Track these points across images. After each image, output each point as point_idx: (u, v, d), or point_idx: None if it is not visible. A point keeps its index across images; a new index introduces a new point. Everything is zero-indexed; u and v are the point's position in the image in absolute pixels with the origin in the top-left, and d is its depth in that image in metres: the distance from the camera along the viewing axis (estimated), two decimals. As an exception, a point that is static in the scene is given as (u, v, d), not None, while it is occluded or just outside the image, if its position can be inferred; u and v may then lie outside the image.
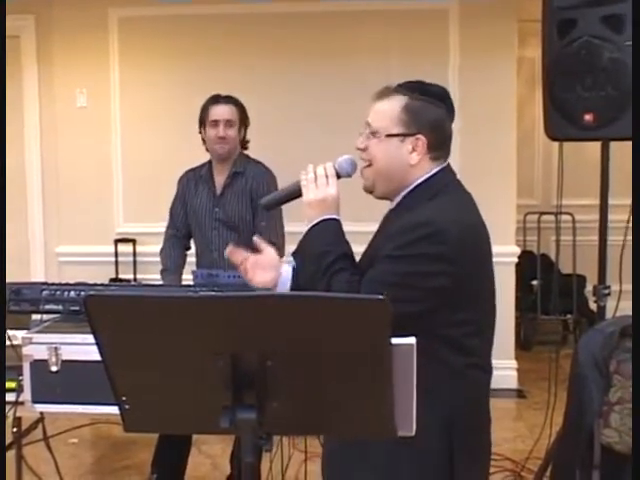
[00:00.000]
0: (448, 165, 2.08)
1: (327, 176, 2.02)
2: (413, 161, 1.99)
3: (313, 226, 2.01)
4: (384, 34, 5.31)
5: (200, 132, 3.86)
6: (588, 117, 3.42)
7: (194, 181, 3.88)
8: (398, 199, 2.05)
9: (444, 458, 1.92)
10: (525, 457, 4.10)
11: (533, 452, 4.03)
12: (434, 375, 1.86)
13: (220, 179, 3.82)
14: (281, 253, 3.72)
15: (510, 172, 5.41)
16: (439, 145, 2.02)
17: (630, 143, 3.38)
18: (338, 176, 2.06)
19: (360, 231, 2.26)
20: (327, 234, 2.00)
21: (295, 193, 2.08)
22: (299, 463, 3.59)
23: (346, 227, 2.05)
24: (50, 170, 5.66)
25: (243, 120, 3.85)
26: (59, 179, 5.63)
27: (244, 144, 3.89)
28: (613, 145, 3.52)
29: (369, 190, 2.06)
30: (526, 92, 6.24)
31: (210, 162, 3.88)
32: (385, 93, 2.03)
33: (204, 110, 3.82)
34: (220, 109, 3.78)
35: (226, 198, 3.79)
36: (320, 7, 5.33)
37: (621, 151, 3.59)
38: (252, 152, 3.97)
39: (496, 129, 5.35)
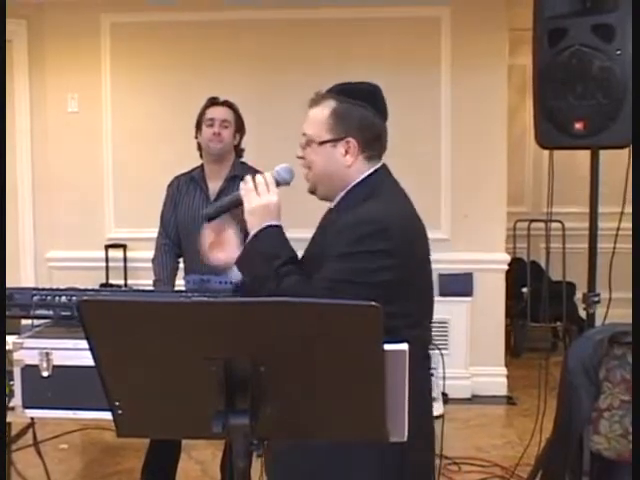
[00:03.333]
0: (383, 165, 2.15)
1: (267, 184, 2.09)
2: (348, 163, 2.08)
3: (258, 232, 2.07)
4: (377, 41, 5.33)
5: (196, 137, 3.86)
6: (578, 125, 3.44)
7: (186, 185, 3.87)
8: (337, 199, 2.13)
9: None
10: (515, 463, 4.10)
11: (523, 458, 4.03)
12: None
13: (214, 184, 3.81)
14: None
15: (501, 179, 5.44)
16: (370, 144, 2.10)
17: (620, 151, 3.42)
18: (277, 184, 2.13)
19: (303, 237, 2.29)
20: (273, 239, 2.06)
21: (235, 203, 2.14)
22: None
23: (288, 234, 2.10)
24: (41, 175, 5.66)
25: (239, 125, 3.85)
26: (50, 184, 5.62)
27: (239, 152, 3.90)
28: (603, 153, 3.54)
29: (312, 191, 2.15)
30: (517, 100, 6.27)
31: (202, 167, 3.88)
32: (316, 100, 2.10)
33: (201, 112, 3.84)
34: (217, 110, 3.82)
35: None
36: (315, 14, 5.36)
37: (611, 159, 3.61)
38: (245, 157, 3.97)
39: (487, 136, 5.38)
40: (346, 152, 2.07)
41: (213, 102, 3.86)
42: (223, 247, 2.23)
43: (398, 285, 1.98)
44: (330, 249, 2.01)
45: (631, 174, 2.93)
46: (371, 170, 2.11)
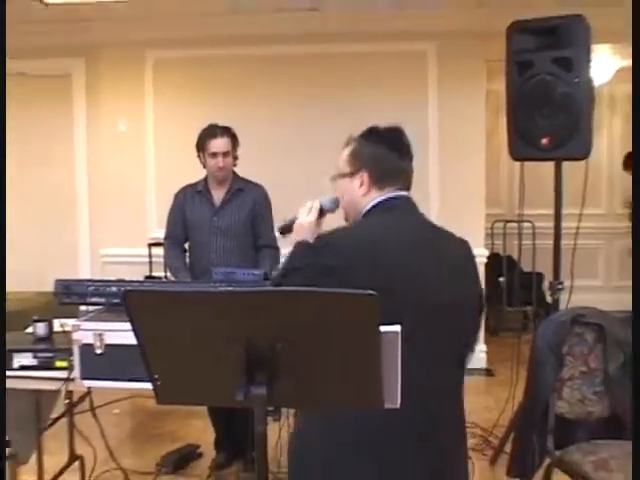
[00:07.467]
0: (399, 196, 2.03)
1: (311, 208, 2.14)
2: (362, 192, 2.03)
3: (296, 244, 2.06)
4: (376, 71, 5.33)
5: (198, 156, 3.82)
6: (545, 141, 3.44)
7: (191, 196, 3.88)
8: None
9: None
10: (492, 425, 4.10)
11: (499, 421, 4.03)
12: None
13: (218, 194, 3.82)
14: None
15: (480, 186, 5.42)
16: (381, 176, 2.02)
17: (578, 163, 3.43)
18: (322, 210, 2.14)
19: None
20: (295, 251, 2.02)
21: (294, 219, 2.18)
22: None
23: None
24: (96, 184, 5.67)
25: (235, 146, 3.82)
26: (103, 192, 5.64)
27: (235, 161, 3.87)
28: (565, 164, 3.54)
29: (345, 219, 2.13)
30: (493, 119, 6.24)
31: (206, 179, 3.87)
32: (346, 142, 2.10)
33: (203, 140, 3.75)
34: (218, 143, 3.72)
35: (225, 209, 3.79)
36: (323, 49, 5.35)
37: (571, 168, 3.61)
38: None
39: (468, 151, 5.36)
40: (360, 183, 2.03)
41: (213, 134, 3.74)
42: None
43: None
44: None
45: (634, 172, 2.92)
46: (379, 199, 2.02)
